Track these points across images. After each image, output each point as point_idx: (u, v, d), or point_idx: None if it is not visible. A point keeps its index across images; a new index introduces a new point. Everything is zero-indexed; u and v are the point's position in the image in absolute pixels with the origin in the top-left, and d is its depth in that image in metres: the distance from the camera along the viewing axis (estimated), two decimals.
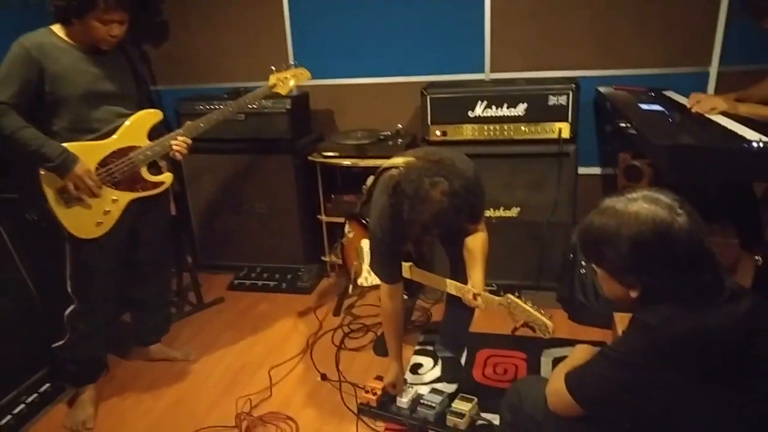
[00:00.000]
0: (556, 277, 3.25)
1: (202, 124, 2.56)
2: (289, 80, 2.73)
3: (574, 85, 3.06)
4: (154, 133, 2.48)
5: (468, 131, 3.18)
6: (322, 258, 3.75)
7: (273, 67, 2.80)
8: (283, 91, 2.73)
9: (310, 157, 3.44)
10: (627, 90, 3.23)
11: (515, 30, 3.48)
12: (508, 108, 3.10)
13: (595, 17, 3.40)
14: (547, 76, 3.43)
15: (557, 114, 3.05)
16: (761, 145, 2.02)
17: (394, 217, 2.05)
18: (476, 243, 2.23)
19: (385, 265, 2.34)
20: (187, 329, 3.30)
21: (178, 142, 2.47)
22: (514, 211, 3.22)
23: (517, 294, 2.01)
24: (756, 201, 2.74)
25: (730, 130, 2.25)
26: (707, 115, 2.58)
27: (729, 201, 2.79)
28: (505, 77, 3.53)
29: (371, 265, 2.56)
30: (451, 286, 2.22)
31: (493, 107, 3.12)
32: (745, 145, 2.04)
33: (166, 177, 2.57)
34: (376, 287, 2.63)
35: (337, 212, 3.51)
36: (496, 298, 2.04)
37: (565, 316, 3.12)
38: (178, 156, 2.49)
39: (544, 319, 1.91)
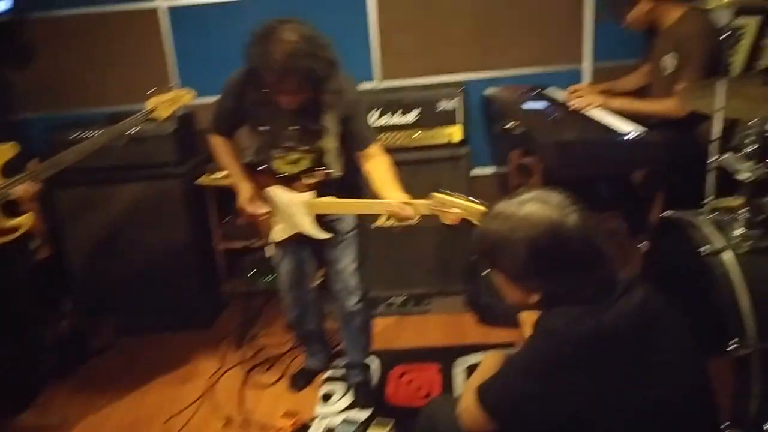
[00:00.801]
0: (462, 280, 3.27)
1: (51, 169, 2.28)
2: (169, 103, 2.55)
3: (462, 89, 3.10)
4: (10, 169, 2.21)
5: None
6: (221, 289, 3.53)
7: (155, 89, 2.61)
8: (163, 114, 2.55)
9: (198, 181, 3.24)
10: (512, 90, 3.32)
11: (402, 37, 3.48)
12: (401, 115, 3.10)
13: (477, 21, 3.47)
14: (436, 81, 3.45)
15: (448, 118, 3.07)
16: (635, 136, 2.13)
17: (247, 72, 2.05)
18: (381, 166, 2.19)
19: (223, 118, 2.31)
20: (68, 386, 2.91)
21: (22, 191, 2.21)
22: (416, 219, 3.20)
23: (441, 190, 1.98)
24: (635, 189, 2.88)
25: (607, 124, 2.36)
26: (585, 111, 2.71)
27: (614, 191, 2.93)
28: (396, 85, 3.52)
29: (211, 123, 2.43)
30: (375, 205, 2.12)
31: (387, 115, 3.10)
32: (622, 138, 2.14)
33: (24, 220, 2.29)
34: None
35: (235, 236, 3.34)
36: (424, 201, 2.01)
37: (475, 319, 3.13)
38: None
39: (475, 206, 1.89)
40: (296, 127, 2.19)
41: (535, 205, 1.37)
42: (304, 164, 2.27)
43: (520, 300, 1.44)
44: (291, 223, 2.35)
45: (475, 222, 1.87)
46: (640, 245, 2.24)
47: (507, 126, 2.64)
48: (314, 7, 3.39)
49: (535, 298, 1.40)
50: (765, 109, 1.78)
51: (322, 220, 2.32)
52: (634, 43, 3.08)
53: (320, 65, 1.95)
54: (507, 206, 1.41)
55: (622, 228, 2.90)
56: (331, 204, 2.25)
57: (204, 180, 3.23)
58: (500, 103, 3.03)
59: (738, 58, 3.37)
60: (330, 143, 2.18)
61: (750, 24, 3.33)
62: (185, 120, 3.33)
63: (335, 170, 2.21)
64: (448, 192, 1.96)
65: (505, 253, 1.38)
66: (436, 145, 3.09)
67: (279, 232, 2.41)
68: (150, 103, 2.54)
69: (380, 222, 2.11)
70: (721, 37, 2.10)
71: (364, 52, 3.50)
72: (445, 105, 3.05)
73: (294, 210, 2.30)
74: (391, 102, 3.10)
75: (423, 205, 2.02)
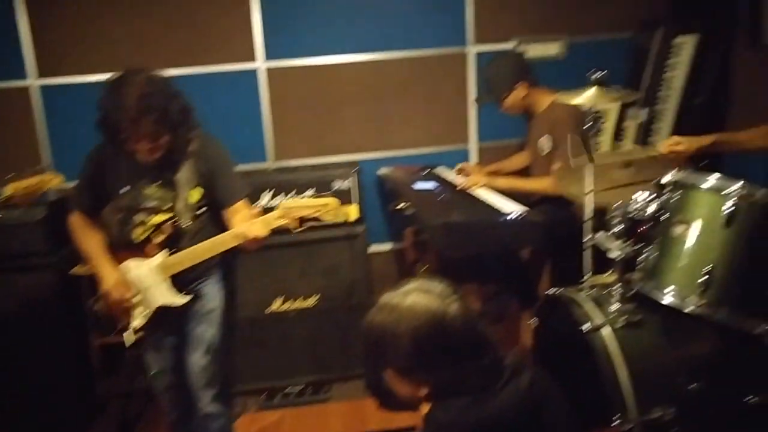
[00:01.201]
0: (361, 362, 3.18)
1: None
2: (32, 188, 2.35)
3: (356, 169, 3.14)
4: None
5: None
6: (97, 390, 3.18)
7: (13, 174, 2.39)
8: (21, 201, 2.34)
9: (72, 271, 2.98)
10: (404, 170, 3.42)
11: (296, 117, 3.52)
12: (296, 195, 3.06)
13: (369, 103, 3.59)
14: (331, 161, 3.49)
15: (343, 197, 3.06)
16: (516, 216, 2.22)
17: (103, 131, 1.99)
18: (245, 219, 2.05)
19: (83, 188, 2.18)
20: None
21: None
22: (312, 300, 3.13)
23: (286, 196, 1.90)
24: (524, 265, 2.99)
25: (491, 204, 2.46)
26: (472, 191, 2.82)
27: (504, 267, 3.02)
28: (290, 165, 3.51)
29: (72, 198, 2.26)
30: (225, 239, 1.98)
31: (281, 196, 3.05)
32: (504, 218, 2.23)
33: None
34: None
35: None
36: (272, 213, 1.93)
37: (377, 404, 3.03)
38: None
39: (322, 200, 1.89)
40: (158, 183, 2.09)
41: (419, 295, 1.36)
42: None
43: (410, 394, 1.40)
44: (148, 299, 2.12)
45: (328, 219, 1.91)
46: (529, 321, 2.29)
47: (398, 206, 2.68)
48: (204, 86, 3.39)
49: (424, 391, 1.37)
50: (628, 191, 1.93)
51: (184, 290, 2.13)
52: (516, 124, 3.29)
53: (173, 106, 1.93)
54: (392, 297, 1.39)
55: (513, 304, 2.98)
56: (183, 257, 2.05)
57: (79, 269, 2.97)
58: (392, 182, 3.09)
59: (604, 140, 3.70)
60: (192, 197, 2.08)
61: (612, 109, 3.68)
62: (56, 205, 3.08)
63: (184, 220, 2.08)
64: (294, 197, 1.94)
65: (391, 346, 1.35)
66: (332, 225, 3.07)
67: (139, 316, 2.16)
68: (8, 189, 2.33)
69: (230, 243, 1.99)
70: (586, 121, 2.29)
71: (256, 132, 3.49)
72: (339, 184, 3.06)
73: (149, 281, 2.10)
74: (285, 183, 3.06)
75: (272, 217, 1.95)
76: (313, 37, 3.47)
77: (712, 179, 1.59)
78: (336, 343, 3.14)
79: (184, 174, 2.05)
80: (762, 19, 2.57)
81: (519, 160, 3.31)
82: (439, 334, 1.32)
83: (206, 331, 2.17)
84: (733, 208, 1.50)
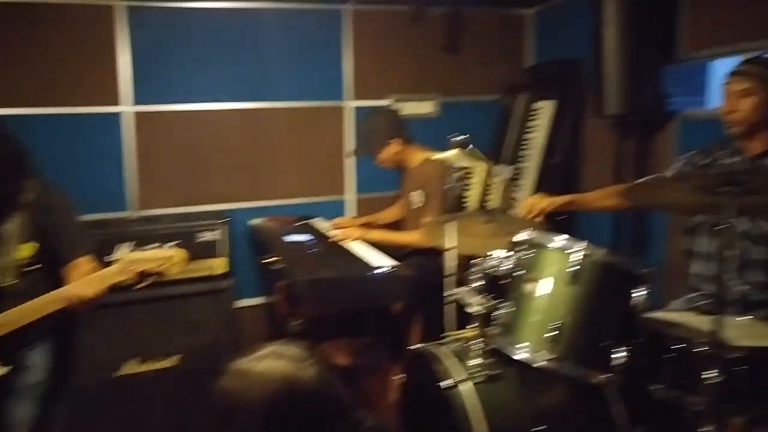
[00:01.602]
0: None
1: None
2: None
3: (225, 219, 3.02)
4: None
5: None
6: None
7: None
8: None
9: None
10: (278, 220, 3.35)
11: (164, 165, 3.36)
12: (157, 247, 2.86)
13: (245, 152, 3.53)
14: (198, 210, 3.34)
15: (209, 250, 2.94)
16: (386, 271, 2.23)
17: None
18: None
19: None
20: None
21: None
22: (173, 360, 2.91)
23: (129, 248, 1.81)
24: (395, 318, 3.00)
25: (363, 258, 2.45)
26: (344, 244, 2.81)
27: (375, 320, 3.01)
28: (154, 214, 3.31)
29: None
30: (52, 299, 1.75)
31: (141, 248, 2.84)
32: (374, 273, 2.22)
33: None
34: None
35: None
36: (109, 268, 1.78)
37: None
38: None
39: (166, 253, 1.81)
40: None
41: (271, 361, 1.30)
42: None
43: None
44: None
45: (173, 273, 1.83)
46: (396, 377, 2.28)
47: (266, 260, 2.60)
48: (65, 128, 3.15)
49: None
50: (492, 245, 2.00)
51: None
52: (393, 177, 3.35)
53: (4, 150, 1.77)
54: (243, 363, 1.31)
55: (384, 358, 2.96)
56: (1, 322, 1.79)
57: None
58: (264, 234, 3.01)
59: (472, 195, 3.87)
60: (21, 253, 1.87)
61: (480, 166, 3.88)
62: None
63: (7, 278, 1.85)
64: (138, 250, 1.81)
65: (242, 415, 1.26)
66: (198, 278, 2.91)
67: None
68: None
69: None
70: (455, 178, 2.37)
71: (117, 178, 3.28)
72: (206, 236, 2.92)
73: None
74: (146, 233, 2.87)
75: (109, 273, 1.79)
76: (187, 83, 3.38)
77: (560, 239, 1.69)
78: (199, 406, 2.93)
79: (13, 226, 1.84)
80: (603, 93, 2.84)
81: (393, 213, 3.36)
82: (293, 401, 1.25)
83: (26, 410, 1.90)
84: (577, 266, 1.60)
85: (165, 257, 1.81)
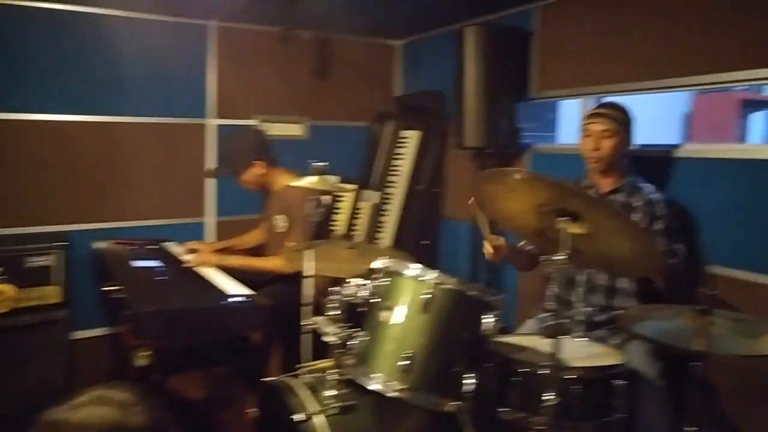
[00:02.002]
0: None
1: None
2: None
3: (62, 243, 2.72)
4: None
5: None
6: None
7: None
8: None
9: None
10: (125, 244, 3.08)
11: None
12: None
13: (92, 169, 3.24)
14: (34, 231, 2.98)
15: (42, 276, 2.62)
16: (241, 300, 2.11)
17: None
18: None
19: None
20: None
21: None
22: None
23: None
24: (253, 348, 2.85)
25: (217, 286, 2.31)
26: (200, 270, 2.64)
27: (232, 350, 2.85)
28: None
29: None
30: None
31: None
32: (228, 302, 2.09)
33: None
34: None
35: None
36: None
37: None
38: None
39: None
40: None
41: (93, 409, 1.14)
42: None
43: None
44: None
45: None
46: (249, 411, 2.15)
47: (106, 288, 2.36)
48: None
49: None
50: (356, 270, 1.96)
51: None
52: (255, 199, 3.23)
53: None
54: (58, 412, 1.15)
55: (240, 390, 2.80)
56: None
57: None
58: (107, 259, 2.74)
59: (339, 220, 3.86)
60: None
61: (348, 192, 3.88)
62: None
63: None
64: None
65: None
66: (24, 309, 2.57)
67: None
68: None
69: None
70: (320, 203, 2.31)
71: None
72: (38, 261, 2.61)
73: None
74: None
75: None
76: (33, 91, 3.06)
77: (414, 268, 1.69)
78: None
79: None
80: (464, 126, 2.97)
81: (253, 237, 3.24)
82: None
83: None
84: (429, 295, 1.60)
85: None
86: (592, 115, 2.26)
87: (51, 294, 2.60)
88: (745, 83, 2.40)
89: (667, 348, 1.70)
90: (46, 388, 2.56)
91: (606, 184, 2.28)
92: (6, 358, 2.52)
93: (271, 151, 2.96)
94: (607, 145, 2.19)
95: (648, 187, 2.24)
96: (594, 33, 2.75)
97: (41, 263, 2.60)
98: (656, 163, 2.41)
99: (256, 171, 2.88)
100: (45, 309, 2.57)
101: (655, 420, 1.95)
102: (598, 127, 2.21)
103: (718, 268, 2.24)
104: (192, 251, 2.93)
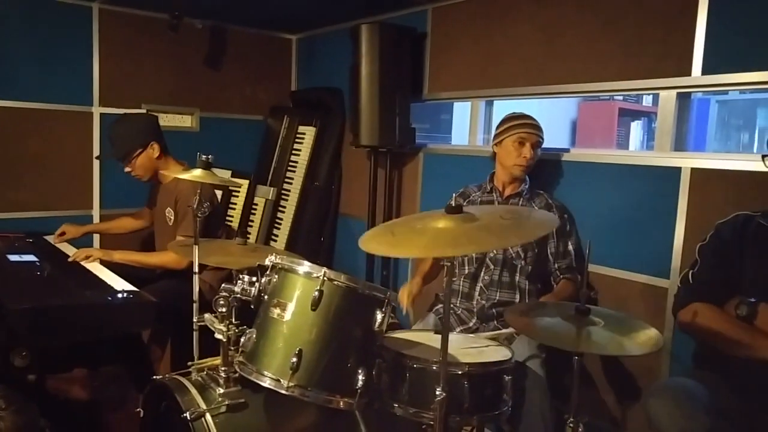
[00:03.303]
0: None
1: None
2: None
3: None
4: None
5: None
6: None
7: None
8: None
9: None
10: (3, 237, 2.87)
11: None
12: None
13: None
14: None
15: None
16: (126, 296, 2.04)
17: None
18: None
19: None
20: None
21: None
22: None
23: None
24: (143, 344, 2.77)
25: (101, 281, 2.22)
26: (84, 263, 2.52)
27: (120, 346, 2.75)
28: None
29: None
30: None
31: None
32: (112, 298, 2.02)
33: None
34: None
35: None
36: None
37: None
38: None
39: None
40: None
41: None
42: None
43: None
44: None
45: None
46: (136, 411, 2.09)
47: None
48: None
49: None
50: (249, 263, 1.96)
51: None
52: (140, 192, 3.11)
53: None
54: None
55: (129, 390, 2.71)
56: None
57: None
58: None
59: (236, 213, 3.81)
60: None
61: (243, 186, 3.84)
62: None
63: None
64: None
65: None
66: None
67: None
68: None
69: None
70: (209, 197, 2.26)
71: None
72: None
73: None
74: None
75: None
76: None
77: (305, 265, 1.71)
78: None
79: None
80: (359, 125, 3.02)
81: (126, 224, 3.15)
82: None
83: None
84: (318, 291, 1.64)
85: None
86: (521, 125, 2.36)
87: None
88: (624, 92, 2.62)
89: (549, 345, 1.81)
90: None
91: (510, 188, 2.43)
92: None
93: (163, 138, 2.86)
94: (536, 154, 2.35)
95: (545, 194, 2.44)
96: (484, 37, 2.89)
97: None
98: (543, 166, 2.54)
99: (150, 154, 2.76)
100: None
101: (538, 409, 2.07)
102: (533, 137, 2.34)
103: (597, 266, 2.42)
104: (61, 235, 2.85)
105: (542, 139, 2.37)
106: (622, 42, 2.37)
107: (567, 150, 2.64)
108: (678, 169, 2.20)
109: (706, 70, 2.12)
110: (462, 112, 4.93)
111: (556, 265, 2.39)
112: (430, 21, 3.15)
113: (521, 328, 1.70)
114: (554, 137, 2.75)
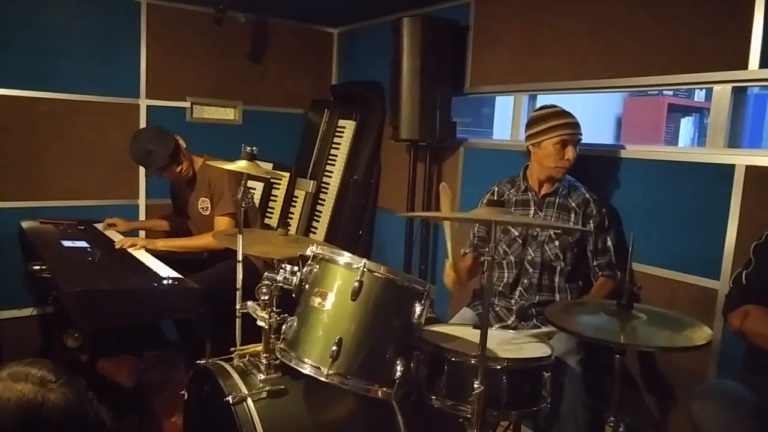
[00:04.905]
0: None
1: None
2: None
3: None
4: None
5: None
6: None
7: None
8: None
9: None
10: (54, 223, 2.99)
11: None
12: None
13: (17, 146, 3.14)
14: None
15: None
16: (171, 283, 2.10)
17: None
18: None
19: None
20: None
21: None
22: None
23: None
24: (194, 329, 2.84)
25: (148, 268, 2.29)
26: (130, 251, 2.60)
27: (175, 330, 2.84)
28: None
29: None
30: None
31: None
32: (158, 285, 2.08)
33: None
34: None
35: None
36: None
37: None
38: None
39: None
40: None
41: (10, 382, 1.14)
42: None
43: None
44: None
45: None
46: (181, 393, 2.15)
47: (34, 268, 2.30)
48: None
49: None
50: (290, 253, 1.99)
51: None
52: None
53: None
54: None
55: (173, 373, 2.79)
56: None
57: None
58: (34, 238, 2.66)
59: (276, 206, 3.86)
60: None
61: (283, 178, 3.88)
62: None
63: None
64: None
65: None
66: None
67: None
68: None
69: None
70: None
71: None
72: None
73: None
74: None
75: None
76: None
77: (346, 256, 1.73)
78: None
79: None
80: (400, 119, 3.02)
81: (160, 224, 3.25)
82: (35, 427, 1.12)
83: None
84: (358, 282, 1.65)
85: None
86: (566, 125, 2.25)
87: None
88: (674, 87, 2.52)
89: (591, 341, 1.75)
90: None
91: (546, 186, 2.35)
92: None
93: (181, 150, 2.88)
94: (575, 154, 2.26)
95: (582, 187, 2.34)
96: (528, 30, 2.83)
97: None
98: (588, 163, 2.48)
99: (175, 170, 2.85)
100: None
101: (576, 408, 2.05)
102: (575, 137, 2.25)
103: (643, 266, 2.35)
104: (110, 225, 2.96)
105: (581, 135, 2.29)
106: (672, 33, 2.28)
107: (615, 146, 2.57)
108: (731, 167, 2.12)
109: (764, 64, 2.03)
110: (503, 106, 4.87)
111: (595, 263, 2.32)
112: (473, 14, 3.12)
113: (562, 325, 1.68)
114: (597, 133, 2.68)
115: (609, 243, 2.33)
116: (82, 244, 2.60)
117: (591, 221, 2.29)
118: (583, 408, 2.08)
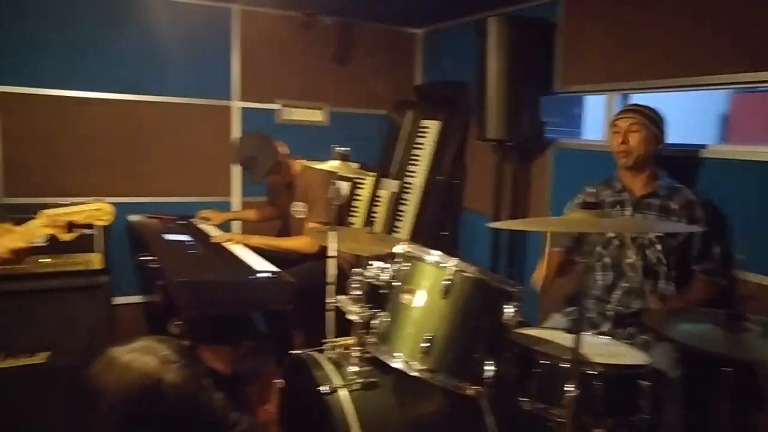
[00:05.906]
0: None
1: None
2: None
3: None
4: None
5: None
6: None
7: None
8: None
9: None
10: (158, 218, 3.21)
11: (27, 154, 3.15)
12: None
13: (122, 145, 3.38)
14: (72, 202, 3.12)
15: (86, 244, 2.74)
16: (268, 276, 2.21)
17: None
18: None
19: None
20: None
21: None
22: (41, 357, 2.67)
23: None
24: (286, 321, 2.96)
25: (244, 261, 2.42)
26: (226, 245, 2.75)
27: (266, 323, 2.97)
28: (21, 203, 3.05)
29: None
30: None
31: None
32: (255, 277, 2.19)
33: None
34: None
35: None
36: (33, 221, 1.69)
37: None
38: None
39: (91, 204, 1.75)
40: None
41: (139, 355, 1.28)
42: None
43: None
44: None
45: (101, 224, 1.79)
46: (276, 382, 2.26)
47: (143, 258, 2.49)
48: None
49: None
50: (377, 250, 2.05)
51: None
52: None
53: None
54: (114, 351, 1.30)
55: (266, 364, 2.92)
56: None
57: None
58: (142, 231, 2.87)
59: (360, 206, 3.93)
60: None
61: (367, 178, 3.95)
62: None
63: None
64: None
65: (100, 400, 1.23)
66: (71, 272, 2.70)
67: None
68: None
69: None
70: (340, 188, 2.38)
71: None
72: (81, 230, 2.73)
73: None
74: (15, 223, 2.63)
75: (33, 226, 1.70)
76: (62, 67, 3.20)
77: (434, 255, 1.76)
78: (70, 404, 2.71)
79: None
80: (485, 118, 3.00)
81: (250, 215, 3.44)
82: (150, 400, 1.24)
83: None
84: (449, 281, 1.67)
85: (93, 208, 1.77)
86: (620, 112, 2.29)
87: (94, 261, 2.73)
88: None
89: (695, 351, 1.65)
90: (92, 346, 2.70)
91: (639, 186, 2.26)
92: (56, 318, 2.67)
93: (281, 159, 2.97)
94: (635, 139, 2.19)
95: (686, 189, 2.23)
96: (621, 26, 2.73)
97: (86, 231, 2.72)
98: (689, 163, 2.37)
99: (274, 180, 2.99)
100: (90, 274, 2.69)
101: (675, 422, 1.97)
102: (624, 123, 2.22)
103: (752, 274, 2.19)
104: (204, 218, 3.12)
105: (649, 126, 2.19)
106: None
107: (721, 146, 2.42)
108: None
109: None
110: (594, 105, 4.72)
111: (698, 267, 2.19)
112: (562, 11, 3.04)
113: (663, 333, 1.61)
114: (699, 132, 2.55)
115: (716, 248, 2.18)
116: (184, 237, 2.78)
117: (697, 225, 2.16)
118: (683, 422, 1.99)
